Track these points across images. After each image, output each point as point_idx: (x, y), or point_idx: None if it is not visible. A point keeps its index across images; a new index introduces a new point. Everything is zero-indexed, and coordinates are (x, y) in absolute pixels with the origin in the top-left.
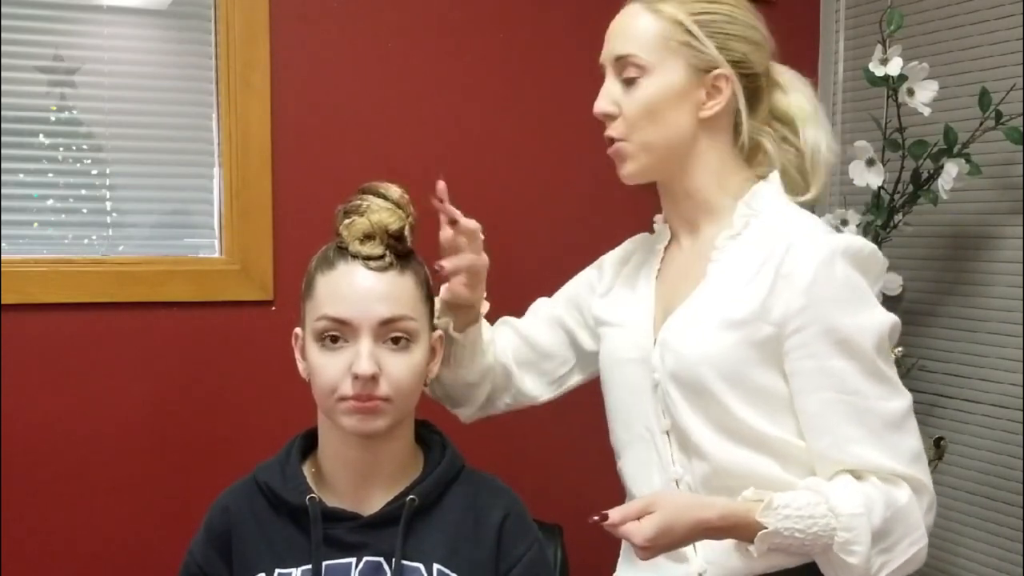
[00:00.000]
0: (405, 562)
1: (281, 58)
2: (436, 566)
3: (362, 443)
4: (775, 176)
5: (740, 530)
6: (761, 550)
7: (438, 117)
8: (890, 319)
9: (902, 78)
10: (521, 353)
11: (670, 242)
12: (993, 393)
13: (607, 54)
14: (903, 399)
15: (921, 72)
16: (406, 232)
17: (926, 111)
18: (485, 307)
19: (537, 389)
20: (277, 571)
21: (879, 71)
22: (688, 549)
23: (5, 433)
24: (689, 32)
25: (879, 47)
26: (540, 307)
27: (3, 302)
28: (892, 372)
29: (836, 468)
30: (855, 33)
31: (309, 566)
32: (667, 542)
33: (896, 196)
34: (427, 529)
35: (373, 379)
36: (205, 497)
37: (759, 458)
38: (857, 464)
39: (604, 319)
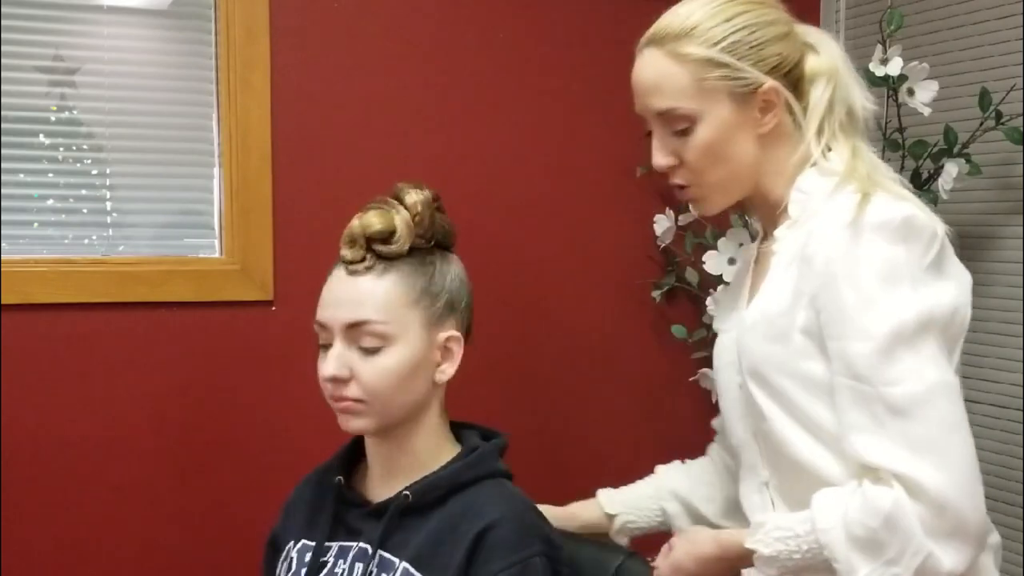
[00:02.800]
0: (386, 554)
1: (281, 58)
2: (404, 564)
3: (371, 439)
4: (815, 151)
5: (744, 559)
6: (769, 574)
7: (438, 117)
8: (920, 301)
9: (902, 78)
10: None
11: (764, 238)
12: (993, 393)
13: (644, 109)
14: (917, 384)
15: (921, 72)
16: (396, 234)
17: (926, 111)
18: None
19: None
20: (303, 541)
21: (879, 71)
22: None
23: (5, 433)
24: (721, 64)
25: (879, 47)
26: None
27: (3, 302)
28: (914, 356)
29: (852, 461)
30: (855, 33)
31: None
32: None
33: None
34: (417, 527)
35: (341, 381)
36: (205, 496)
37: (828, 456)
38: (857, 457)
39: (715, 327)
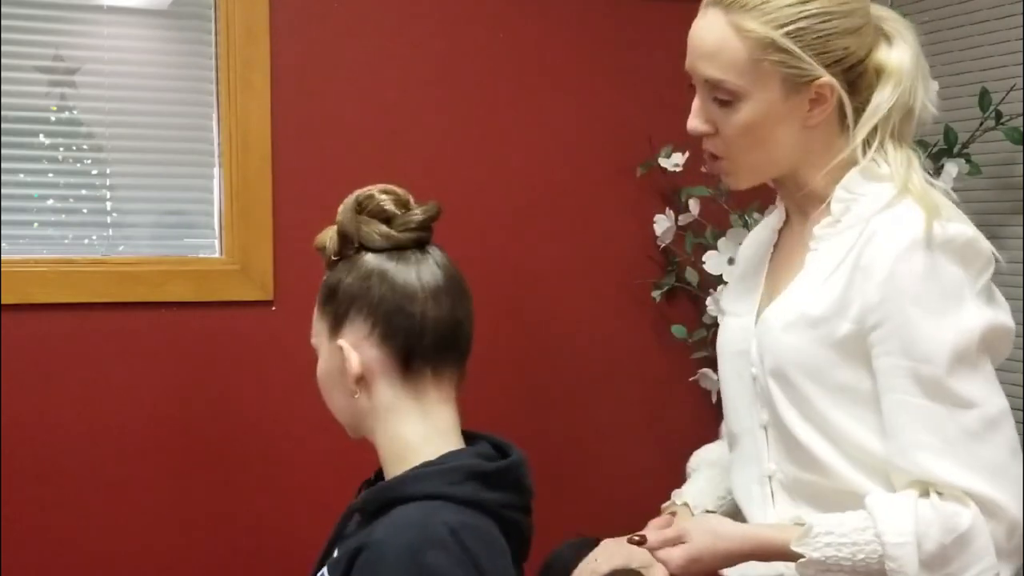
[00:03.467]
0: (333, 557)
1: (281, 58)
2: (323, 570)
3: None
4: (867, 154)
5: (779, 557)
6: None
7: (438, 116)
8: (982, 321)
9: None
10: None
11: (786, 222)
12: None
13: (692, 69)
14: (988, 407)
15: None
16: (325, 249)
17: None
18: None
19: None
20: None
21: None
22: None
23: (5, 433)
24: (782, 49)
25: None
26: None
27: (3, 302)
28: (978, 377)
29: (905, 477)
30: None
31: None
32: (698, 569)
33: None
34: (356, 535)
35: None
36: (205, 496)
37: (843, 459)
38: (923, 475)
39: (722, 307)
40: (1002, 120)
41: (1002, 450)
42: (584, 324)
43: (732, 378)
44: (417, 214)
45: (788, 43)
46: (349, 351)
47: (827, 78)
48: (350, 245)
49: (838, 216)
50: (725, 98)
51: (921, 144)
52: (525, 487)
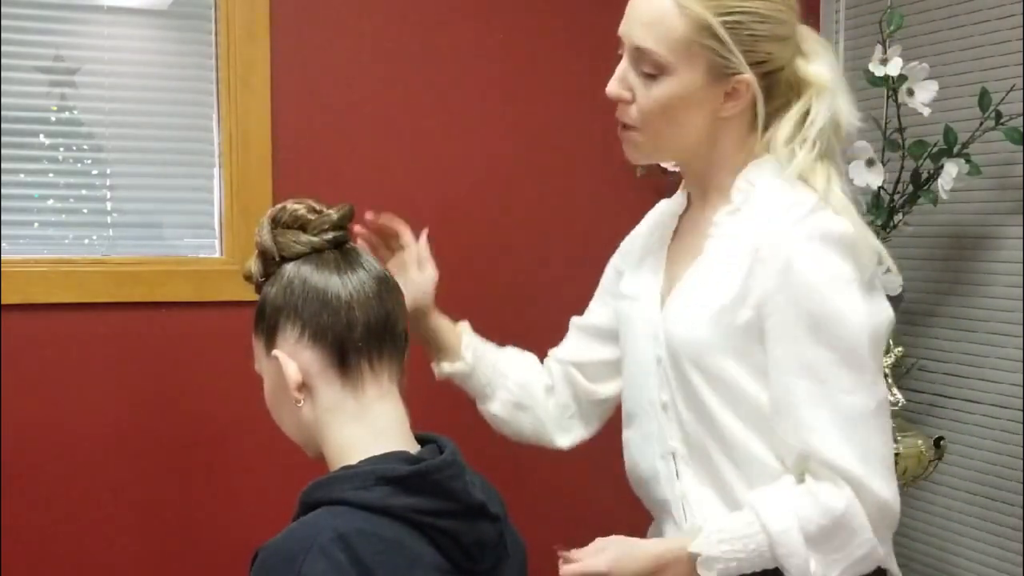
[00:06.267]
0: None
1: (281, 58)
2: None
3: None
4: (780, 150)
5: (684, 563)
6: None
7: (438, 117)
8: (868, 312)
9: (902, 78)
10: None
11: (686, 209)
12: (993, 393)
13: (627, 35)
14: (873, 396)
15: (921, 72)
16: (251, 275)
17: (926, 111)
18: (464, 328)
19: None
20: None
21: (879, 71)
22: None
23: (5, 433)
24: (715, 36)
25: (879, 47)
26: (581, 318)
27: (3, 302)
28: (869, 366)
29: (794, 455)
30: (855, 33)
31: None
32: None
33: (896, 196)
34: None
35: None
36: (204, 497)
37: (744, 434)
38: (808, 452)
39: (623, 293)
40: (1002, 120)
41: (878, 436)
42: None
43: (636, 360)
44: (331, 215)
45: (722, 32)
46: (285, 360)
47: (748, 75)
48: (272, 261)
49: (738, 205)
50: (650, 71)
51: (921, 144)
52: (453, 492)
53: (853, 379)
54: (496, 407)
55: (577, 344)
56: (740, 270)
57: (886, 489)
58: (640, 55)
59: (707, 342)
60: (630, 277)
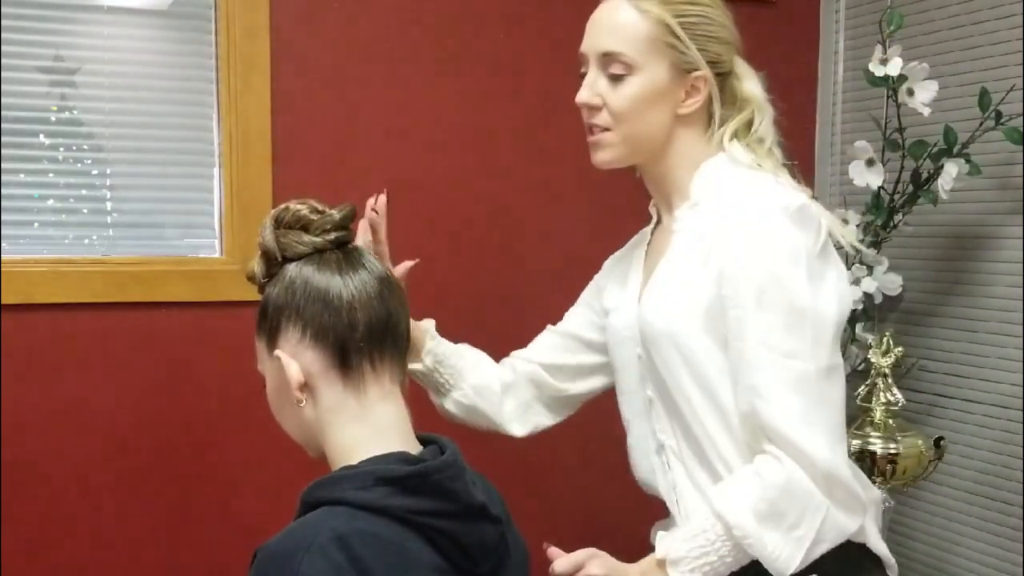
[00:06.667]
0: None
1: (281, 58)
2: None
3: None
4: (731, 146)
5: (658, 570)
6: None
7: (438, 117)
8: (823, 283)
9: (902, 78)
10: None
11: (657, 224)
12: (993, 393)
13: (591, 47)
14: (817, 361)
15: (921, 72)
16: (255, 276)
17: (926, 111)
18: (429, 329)
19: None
20: None
21: (879, 71)
22: None
23: (5, 432)
24: (674, 34)
25: (879, 47)
26: (557, 326)
27: (3, 302)
28: (815, 333)
29: (744, 419)
30: (855, 33)
31: None
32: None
33: (896, 196)
34: None
35: None
36: (204, 496)
37: (724, 418)
38: (752, 414)
39: (607, 307)
40: (1002, 120)
41: (819, 399)
42: None
43: (622, 365)
44: (333, 215)
45: (679, 30)
46: (287, 360)
47: (705, 71)
48: (275, 261)
49: (696, 200)
50: (618, 72)
51: (921, 144)
52: (453, 493)
53: (797, 344)
54: (449, 404)
55: (551, 348)
56: (703, 253)
57: (826, 451)
58: (608, 59)
59: (680, 328)
60: (611, 291)
